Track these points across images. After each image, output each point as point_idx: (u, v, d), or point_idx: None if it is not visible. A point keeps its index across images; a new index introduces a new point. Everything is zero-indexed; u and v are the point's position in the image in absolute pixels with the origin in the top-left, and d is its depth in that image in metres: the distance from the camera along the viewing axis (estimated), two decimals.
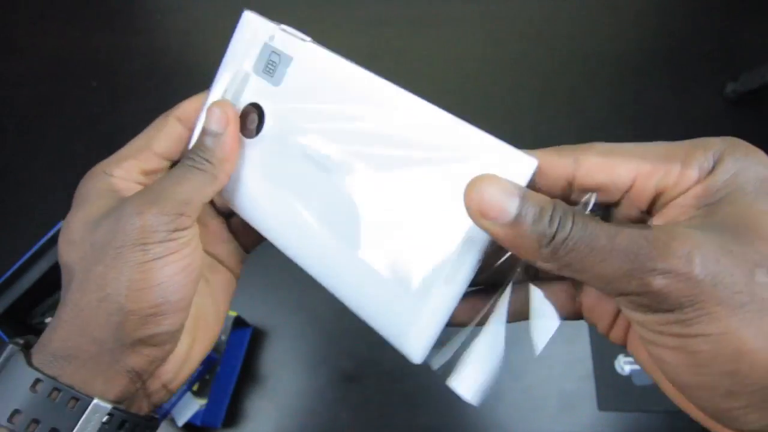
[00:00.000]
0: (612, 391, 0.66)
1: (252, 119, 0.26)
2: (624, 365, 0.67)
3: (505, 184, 0.19)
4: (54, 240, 0.58)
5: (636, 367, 0.67)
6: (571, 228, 0.18)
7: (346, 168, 0.24)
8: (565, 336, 0.68)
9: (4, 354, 0.23)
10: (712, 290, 0.17)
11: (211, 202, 0.29)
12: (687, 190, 0.19)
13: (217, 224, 0.29)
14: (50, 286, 0.62)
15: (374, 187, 0.23)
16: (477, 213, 0.19)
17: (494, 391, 0.71)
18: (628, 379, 0.66)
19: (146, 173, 0.26)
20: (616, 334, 0.22)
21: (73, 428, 0.22)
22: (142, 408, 0.25)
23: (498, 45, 0.87)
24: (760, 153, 0.19)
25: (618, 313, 0.22)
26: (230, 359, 0.66)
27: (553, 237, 0.18)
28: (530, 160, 0.20)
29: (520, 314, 0.22)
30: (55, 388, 0.22)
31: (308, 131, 0.25)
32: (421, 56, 0.85)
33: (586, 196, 0.21)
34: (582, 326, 0.69)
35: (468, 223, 0.20)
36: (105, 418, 0.22)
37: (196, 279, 0.25)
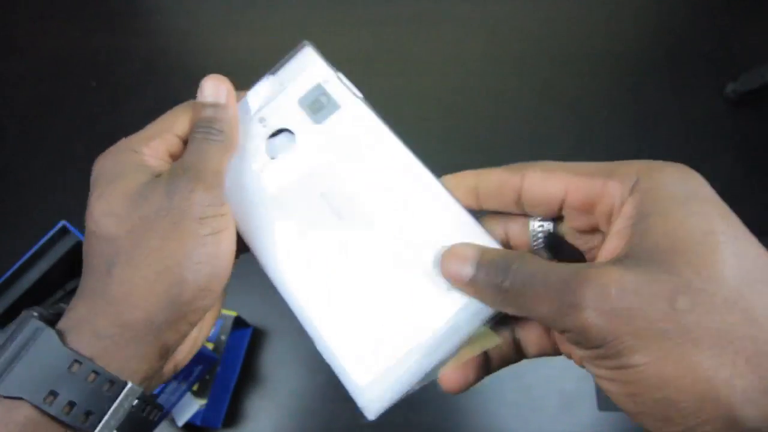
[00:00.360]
0: None
1: (283, 141, 0.27)
2: None
3: (462, 253, 0.23)
4: (54, 240, 0.58)
5: None
6: (513, 277, 0.21)
7: (356, 221, 0.26)
8: None
9: (27, 328, 0.22)
10: (629, 323, 0.18)
11: None
12: (614, 204, 0.21)
13: None
14: (50, 286, 0.62)
15: (377, 248, 0.25)
16: (448, 278, 0.23)
17: (494, 391, 0.72)
18: None
19: (171, 155, 0.26)
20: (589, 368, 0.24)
21: (107, 411, 0.22)
22: (151, 387, 0.25)
23: (498, 45, 0.87)
24: (684, 170, 0.21)
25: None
26: (230, 359, 0.66)
27: (500, 286, 0.21)
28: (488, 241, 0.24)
29: (507, 357, 0.25)
30: (94, 371, 0.22)
31: (333, 175, 0.26)
32: (421, 56, 0.85)
33: (536, 225, 0.24)
34: None
35: (459, 303, 0.23)
36: (135, 402, 0.23)
37: (234, 249, 0.25)
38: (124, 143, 0.26)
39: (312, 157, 0.27)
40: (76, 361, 0.22)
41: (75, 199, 0.86)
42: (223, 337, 0.63)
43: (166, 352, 0.24)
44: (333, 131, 0.27)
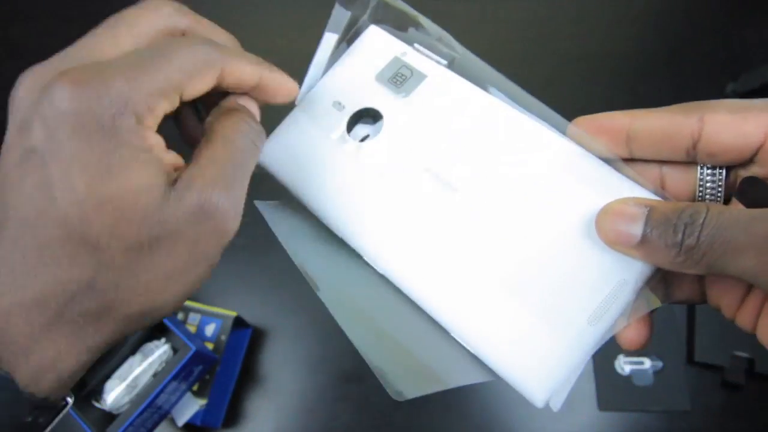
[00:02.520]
0: (612, 391, 0.66)
1: (366, 122, 0.25)
2: (624, 365, 0.67)
3: (626, 211, 0.19)
4: None
5: (636, 367, 0.67)
6: (700, 231, 0.17)
7: (476, 191, 0.22)
8: None
9: None
10: None
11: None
12: None
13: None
14: None
15: (507, 214, 0.22)
16: (610, 243, 0.20)
17: (494, 391, 0.72)
18: (628, 379, 0.66)
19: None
20: (743, 319, 0.21)
21: None
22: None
23: (498, 44, 0.87)
24: None
25: (746, 297, 0.21)
26: (230, 359, 0.66)
27: (681, 245, 0.18)
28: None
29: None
30: None
31: (435, 148, 0.23)
32: None
33: (707, 174, 0.21)
34: None
35: (614, 257, 0.20)
36: None
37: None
38: (116, 86, 0.17)
39: (405, 132, 0.24)
40: None
41: None
42: (223, 337, 0.63)
43: None
44: (423, 102, 0.24)
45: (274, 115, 0.27)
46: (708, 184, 0.21)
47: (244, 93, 0.23)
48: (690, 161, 0.21)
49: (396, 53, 0.25)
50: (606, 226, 0.20)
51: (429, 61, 0.25)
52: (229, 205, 0.19)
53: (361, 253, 0.24)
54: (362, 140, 0.25)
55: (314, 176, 0.24)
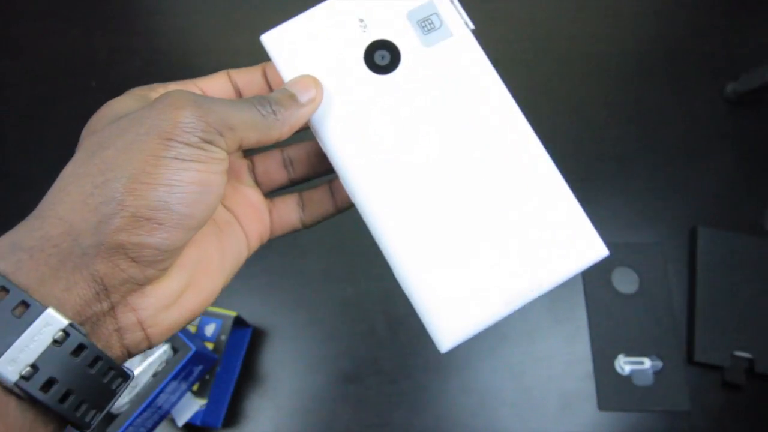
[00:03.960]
0: (612, 391, 0.66)
1: (383, 55, 0.25)
2: (624, 365, 0.67)
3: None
4: None
5: (636, 367, 0.67)
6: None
7: (452, 160, 0.25)
8: (565, 336, 0.68)
9: None
10: None
11: (255, 178, 0.28)
12: None
13: (253, 192, 0.28)
14: None
15: (474, 188, 0.24)
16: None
17: (494, 391, 0.72)
18: (628, 379, 0.66)
19: None
20: None
21: (14, 342, 0.17)
22: (112, 346, 0.20)
23: (497, 45, 0.88)
24: None
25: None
26: (230, 359, 0.66)
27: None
28: (602, 251, 0.24)
29: None
30: (2, 287, 0.17)
31: (434, 109, 0.25)
32: None
33: None
34: (582, 326, 0.69)
35: (538, 265, 0.24)
36: (58, 335, 0.18)
37: (212, 205, 0.21)
38: (146, 85, 0.24)
39: (418, 80, 0.25)
40: None
41: None
42: (223, 337, 0.63)
43: (102, 290, 0.19)
44: (441, 59, 0.25)
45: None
46: None
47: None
48: None
49: None
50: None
51: (459, 20, 0.26)
52: (187, 100, 0.20)
53: (339, 175, 0.25)
54: (372, 68, 0.25)
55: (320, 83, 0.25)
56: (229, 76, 0.26)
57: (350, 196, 0.25)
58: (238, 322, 0.66)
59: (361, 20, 0.25)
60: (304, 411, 0.66)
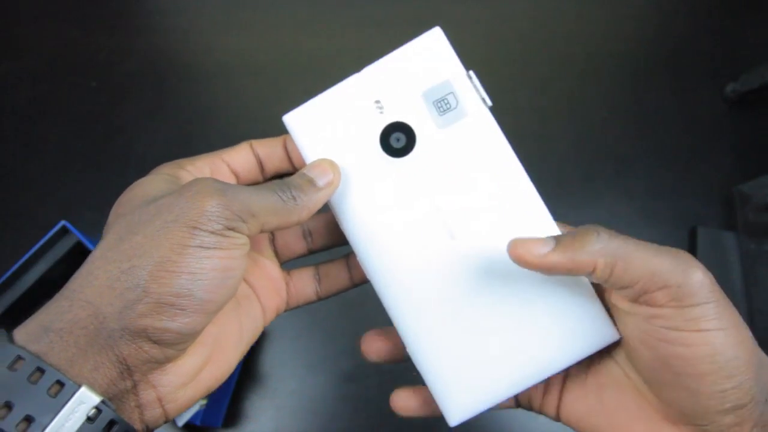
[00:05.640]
0: None
1: (399, 138, 0.25)
2: None
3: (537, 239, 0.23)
4: (54, 240, 0.58)
5: None
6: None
7: (468, 246, 0.25)
8: None
9: None
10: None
11: (274, 249, 0.29)
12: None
13: (272, 265, 0.29)
14: (50, 286, 0.62)
15: (489, 274, 0.25)
16: (519, 258, 0.23)
17: None
18: None
19: (214, 175, 0.25)
20: (548, 404, 0.27)
21: (52, 420, 0.18)
22: (134, 422, 0.21)
23: (497, 45, 0.87)
24: None
25: (546, 388, 0.27)
26: None
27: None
28: (612, 334, 0.25)
29: None
30: (39, 368, 0.18)
31: (451, 191, 0.25)
32: None
33: None
34: None
35: (548, 349, 0.25)
36: (91, 412, 0.19)
37: (232, 288, 0.22)
38: (174, 161, 0.25)
39: (430, 164, 0.25)
40: (19, 357, 0.18)
41: (75, 199, 0.86)
42: None
43: (126, 370, 0.20)
44: (457, 140, 0.25)
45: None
46: None
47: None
48: None
49: (449, 76, 0.25)
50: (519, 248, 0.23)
51: (476, 97, 0.25)
52: (213, 189, 0.21)
53: (357, 255, 0.26)
54: (388, 149, 0.25)
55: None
56: (252, 148, 0.27)
57: (366, 275, 0.26)
58: None
59: (378, 101, 0.25)
60: (304, 411, 0.66)
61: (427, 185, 0.25)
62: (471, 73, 0.26)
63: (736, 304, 0.68)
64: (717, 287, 0.23)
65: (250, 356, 0.68)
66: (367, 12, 0.89)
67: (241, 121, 0.80)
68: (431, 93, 0.25)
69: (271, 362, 0.69)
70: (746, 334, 0.22)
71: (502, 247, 0.24)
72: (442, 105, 0.25)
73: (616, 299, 0.24)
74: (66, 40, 0.91)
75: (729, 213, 0.73)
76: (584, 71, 0.83)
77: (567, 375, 0.27)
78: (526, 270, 0.23)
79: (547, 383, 0.27)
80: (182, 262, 0.20)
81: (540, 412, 0.28)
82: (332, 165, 0.25)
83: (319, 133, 0.25)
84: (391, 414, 0.26)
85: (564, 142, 0.78)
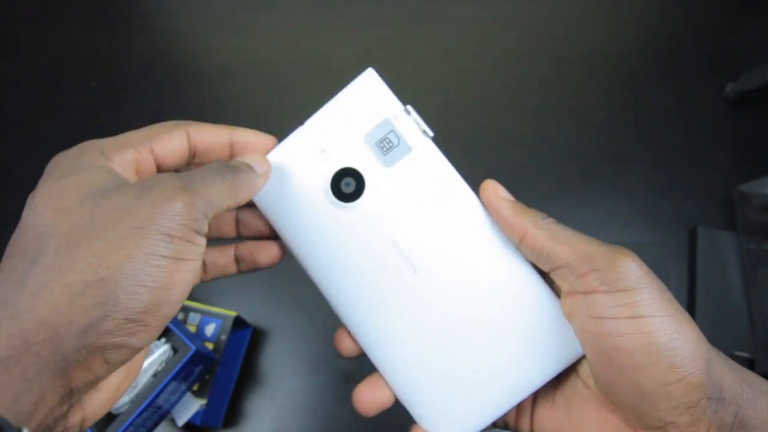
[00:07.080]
0: None
1: (348, 183, 0.26)
2: None
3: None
4: None
5: None
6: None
7: (431, 276, 0.25)
8: None
9: None
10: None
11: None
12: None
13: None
14: None
15: (450, 301, 0.25)
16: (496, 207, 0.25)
17: None
18: None
19: (139, 172, 0.23)
20: (522, 424, 0.27)
21: None
22: None
23: (497, 45, 0.87)
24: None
25: (518, 409, 0.27)
26: (230, 359, 0.66)
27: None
28: (578, 350, 0.25)
29: None
30: None
31: (406, 225, 0.25)
32: (420, 56, 0.85)
33: None
34: None
35: (517, 374, 0.25)
36: None
37: (185, 299, 0.20)
38: (92, 144, 0.22)
39: (382, 203, 0.25)
40: None
41: None
42: (223, 337, 0.63)
43: (67, 395, 0.18)
44: (404, 176, 0.25)
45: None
46: None
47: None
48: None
49: (387, 114, 0.26)
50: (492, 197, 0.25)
51: (417, 130, 0.26)
52: (176, 188, 0.20)
53: (329, 300, 0.27)
54: (340, 196, 0.26)
55: (292, 217, 0.26)
56: (189, 136, 0.25)
57: (340, 319, 0.27)
58: (238, 322, 0.66)
59: (323, 150, 0.26)
60: (304, 411, 0.66)
61: (384, 224, 0.25)
62: (409, 107, 0.26)
63: (737, 304, 0.69)
64: (652, 276, 0.22)
65: (250, 356, 0.68)
66: (367, 12, 0.89)
67: (241, 121, 0.80)
68: (372, 134, 0.25)
69: (271, 362, 0.69)
70: (688, 325, 0.22)
71: (465, 275, 0.25)
72: (385, 144, 0.25)
73: (561, 283, 0.24)
74: (66, 40, 0.91)
75: (729, 213, 0.73)
76: (584, 71, 0.83)
77: (537, 394, 0.27)
78: (492, 295, 0.25)
79: (518, 405, 0.27)
80: (157, 276, 0.18)
81: (516, 431, 0.27)
82: (266, 159, 0.25)
83: (276, 188, 0.26)
84: (391, 414, 0.27)
85: (564, 142, 0.78)
